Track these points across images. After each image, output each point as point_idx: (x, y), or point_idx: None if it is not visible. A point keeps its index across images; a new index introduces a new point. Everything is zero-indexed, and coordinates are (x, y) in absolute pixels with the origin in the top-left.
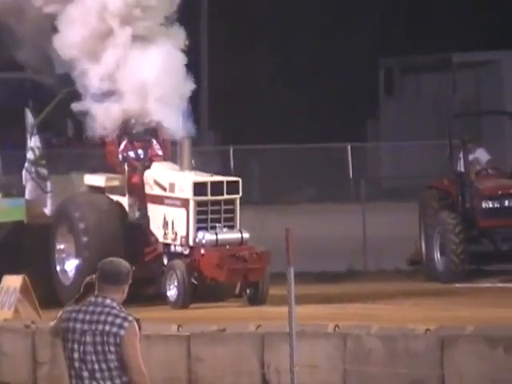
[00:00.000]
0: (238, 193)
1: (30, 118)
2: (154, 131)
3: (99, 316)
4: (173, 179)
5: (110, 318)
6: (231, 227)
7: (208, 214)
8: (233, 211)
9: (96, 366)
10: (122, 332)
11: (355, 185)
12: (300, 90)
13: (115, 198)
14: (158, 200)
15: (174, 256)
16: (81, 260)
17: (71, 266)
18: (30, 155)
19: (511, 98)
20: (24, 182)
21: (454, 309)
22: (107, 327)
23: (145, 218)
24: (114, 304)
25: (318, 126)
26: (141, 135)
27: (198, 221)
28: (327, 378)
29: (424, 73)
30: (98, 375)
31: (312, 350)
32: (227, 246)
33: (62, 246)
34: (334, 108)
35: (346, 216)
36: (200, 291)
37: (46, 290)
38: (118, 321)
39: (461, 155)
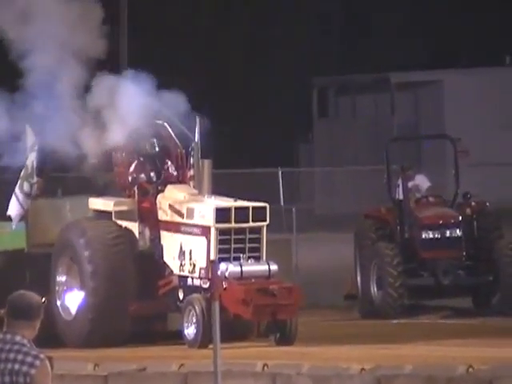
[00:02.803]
0: (265, 220)
1: (30, 136)
2: (168, 151)
3: (8, 354)
4: (191, 204)
5: (19, 357)
6: (257, 258)
7: (231, 243)
8: (259, 240)
9: None
10: (33, 371)
11: (286, 213)
12: (226, 110)
13: (124, 224)
14: (174, 227)
15: (191, 290)
16: (85, 292)
17: (74, 299)
18: (22, 172)
19: (453, 120)
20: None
21: (392, 347)
22: (17, 366)
23: (158, 246)
24: (25, 341)
25: (246, 149)
26: (154, 155)
27: (220, 251)
28: None
29: (360, 93)
30: None
31: None
32: (253, 280)
33: (63, 278)
34: (264, 130)
35: (275, 246)
36: (221, 330)
37: (45, 327)
38: (29, 359)
39: (399, 182)
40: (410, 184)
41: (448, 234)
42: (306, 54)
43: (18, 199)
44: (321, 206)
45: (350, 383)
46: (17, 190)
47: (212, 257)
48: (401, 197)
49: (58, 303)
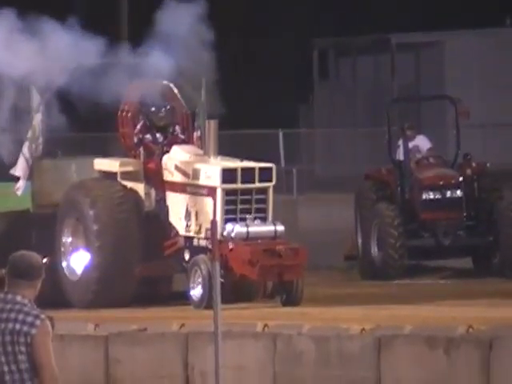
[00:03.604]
0: (271, 180)
1: (35, 96)
2: (173, 111)
3: (9, 314)
4: (197, 165)
5: (20, 316)
6: (263, 219)
7: (237, 203)
8: (265, 201)
9: (5, 368)
10: (34, 331)
11: (287, 174)
12: (226, 72)
13: (130, 184)
14: (180, 188)
15: (197, 251)
16: (91, 251)
17: (79, 260)
18: (28, 133)
19: (453, 81)
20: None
21: (392, 307)
22: (17, 326)
23: (163, 207)
24: (26, 301)
25: (246, 111)
26: (160, 116)
27: (227, 211)
28: (255, 380)
29: (360, 55)
30: (7, 378)
31: (239, 352)
32: (259, 241)
33: (68, 239)
34: (264, 92)
35: (276, 208)
36: (226, 291)
37: (50, 287)
38: (29, 319)
39: (400, 143)
40: (411, 145)
41: (448, 194)
42: (307, 14)
43: (26, 160)
44: (321, 167)
45: (350, 343)
46: (25, 150)
47: (218, 217)
48: (401, 158)
49: (64, 264)
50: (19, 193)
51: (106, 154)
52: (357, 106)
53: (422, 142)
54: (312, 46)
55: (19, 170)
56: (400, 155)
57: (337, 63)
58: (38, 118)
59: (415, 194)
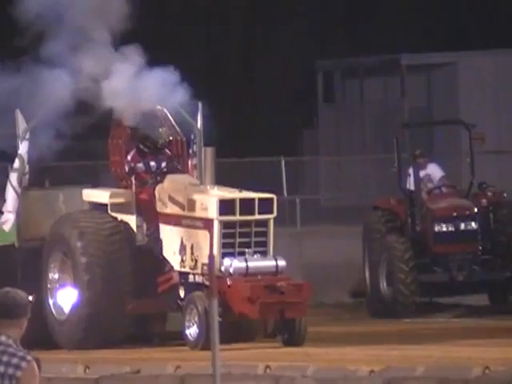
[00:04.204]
0: (272, 212)
1: (21, 122)
2: (168, 140)
3: None
4: (193, 195)
5: (4, 358)
6: (264, 253)
7: (236, 237)
8: (266, 234)
9: None
10: (19, 373)
11: (289, 205)
12: (226, 96)
13: (121, 216)
14: (174, 220)
15: (193, 287)
16: (79, 287)
17: (67, 297)
18: (16, 163)
19: (467, 105)
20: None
21: (403, 347)
22: (2, 368)
23: (157, 241)
24: (10, 341)
25: (246, 136)
26: (153, 144)
27: (224, 245)
28: None
29: (368, 77)
30: None
31: None
32: (259, 276)
33: (55, 275)
34: (266, 117)
35: (279, 240)
36: (224, 330)
37: (37, 327)
38: (15, 361)
39: (410, 171)
40: (422, 173)
41: (463, 226)
42: (310, 34)
43: (16, 192)
44: (326, 196)
45: None
46: (14, 183)
47: (215, 251)
48: (412, 187)
49: (51, 302)
50: (7, 227)
51: (95, 183)
52: (364, 130)
53: (434, 171)
54: (316, 68)
55: (9, 203)
56: (411, 184)
57: (343, 85)
58: (24, 146)
59: (427, 225)
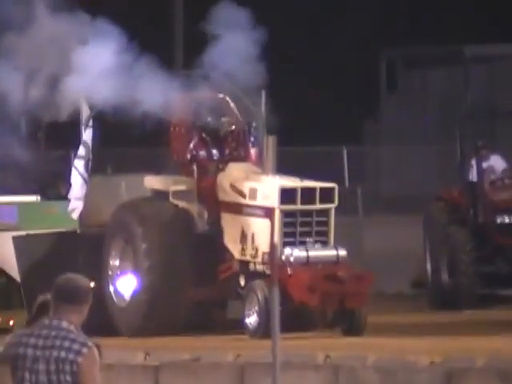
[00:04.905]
0: (333, 202)
1: (85, 109)
2: (232, 127)
3: (54, 341)
4: (254, 184)
5: (66, 344)
6: (324, 243)
7: (297, 226)
8: (326, 224)
9: None
10: (80, 359)
11: (351, 194)
12: (289, 85)
13: (182, 204)
14: (235, 209)
15: (253, 276)
16: (140, 273)
17: (128, 284)
18: (80, 150)
19: None
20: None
21: (463, 338)
22: (63, 353)
23: (218, 229)
24: (71, 327)
25: (308, 126)
26: (215, 131)
27: (285, 234)
28: None
29: (432, 67)
30: None
31: None
32: (319, 266)
33: (116, 262)
34: (328, 106)
35: (340, 230)
36: (284, 319)
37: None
38: (76, 346)
39: (473, 162)
40: (485, 165)
41: None
42: (374, 23)
43: (85, 180)
44: (388, 186)
45: (418, 377)
46: (81, 170)
47: (276, 240)
48: (474, 178)
49: (111, 289)
50: (76, 215)
51: (157, 170)
52: (427, 121)
53: (496, 162)
54: (380, 58)
55: (77, 191)
56: (473, 176)
57: (406, 75)
58: (88, 134)
59: (489, 217)
